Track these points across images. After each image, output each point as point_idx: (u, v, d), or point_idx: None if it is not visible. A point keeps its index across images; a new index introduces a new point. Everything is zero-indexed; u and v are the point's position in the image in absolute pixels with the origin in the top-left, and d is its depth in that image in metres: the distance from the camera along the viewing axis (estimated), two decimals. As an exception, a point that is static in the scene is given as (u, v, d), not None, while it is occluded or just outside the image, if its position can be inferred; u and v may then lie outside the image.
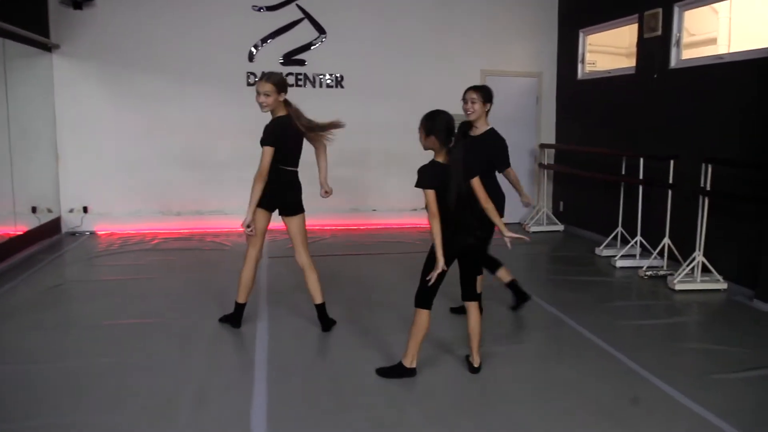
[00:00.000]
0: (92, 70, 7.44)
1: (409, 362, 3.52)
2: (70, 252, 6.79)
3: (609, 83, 7.37)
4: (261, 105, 3.99)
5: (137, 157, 7.66)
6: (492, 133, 4.27)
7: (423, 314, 3.45)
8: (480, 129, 4.23)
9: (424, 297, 3.44)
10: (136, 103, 7.58)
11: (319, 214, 6.39)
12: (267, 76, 3.95)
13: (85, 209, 7.68)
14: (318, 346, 4.14)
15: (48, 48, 7.21)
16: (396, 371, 3.53)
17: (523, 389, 3.49)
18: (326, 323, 4.30)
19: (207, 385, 3.47)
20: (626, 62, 7.20)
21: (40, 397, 3.30)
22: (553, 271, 6.50)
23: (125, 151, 7.62)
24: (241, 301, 4.28)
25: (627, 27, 7.10)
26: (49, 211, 7.38)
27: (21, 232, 6.52)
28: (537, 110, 8.61)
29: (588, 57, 8.09)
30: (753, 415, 3.24)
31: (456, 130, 3.35)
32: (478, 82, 8.41)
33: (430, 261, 3.34)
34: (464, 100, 4.22)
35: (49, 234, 7.22)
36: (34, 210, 7.04)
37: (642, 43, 6.63)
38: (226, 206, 7.77)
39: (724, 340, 4.25)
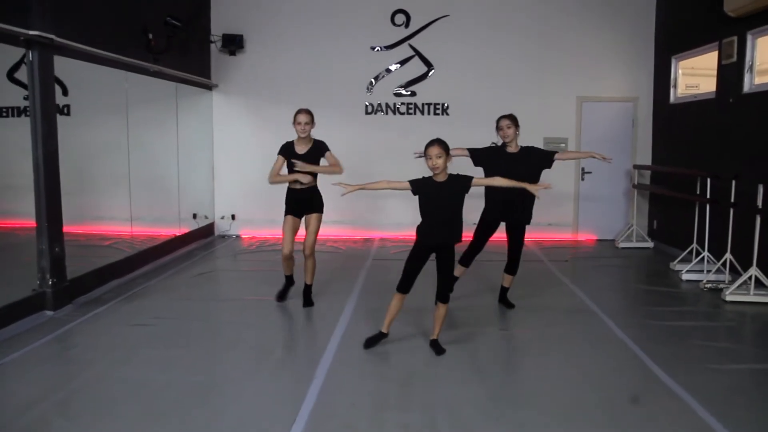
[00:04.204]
0: (241, 104, 9.23)
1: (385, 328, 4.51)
2: (219, 249, 8.50)
3: (695, 107, 7.70)
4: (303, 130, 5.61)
5: (274, 175, 9.25)
6: (525, 148, 5.17)
7: (396, 297, 4.40)
8: (513, 149, 5.14)
9: (401, 283, 4.36)
10: (273, 130, 9.08)
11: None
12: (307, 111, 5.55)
13: (233, 217, 9.44)
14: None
15: (209, 87, 9.09)
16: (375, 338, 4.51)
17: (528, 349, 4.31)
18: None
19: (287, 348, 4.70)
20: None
21: (170, 342, 4.74)
22: (619, 281, 7.01)
23: (265, 170, 9.21)
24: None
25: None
26: (206, 217, 9.22)
27: (184, 233, 8.35)
28: (633, 133, 9.03)
29: (691, 80, 8.40)
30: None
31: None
32: (574, 108, 9.08)
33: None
34: (499, 128, 5.13)
35: (204, 235, 9.05)
36: (194, 216, 8.90)
37: (721, 69, 6.97)
38: (345, 217, 9.12)
39: (733, 340, 4.74)
